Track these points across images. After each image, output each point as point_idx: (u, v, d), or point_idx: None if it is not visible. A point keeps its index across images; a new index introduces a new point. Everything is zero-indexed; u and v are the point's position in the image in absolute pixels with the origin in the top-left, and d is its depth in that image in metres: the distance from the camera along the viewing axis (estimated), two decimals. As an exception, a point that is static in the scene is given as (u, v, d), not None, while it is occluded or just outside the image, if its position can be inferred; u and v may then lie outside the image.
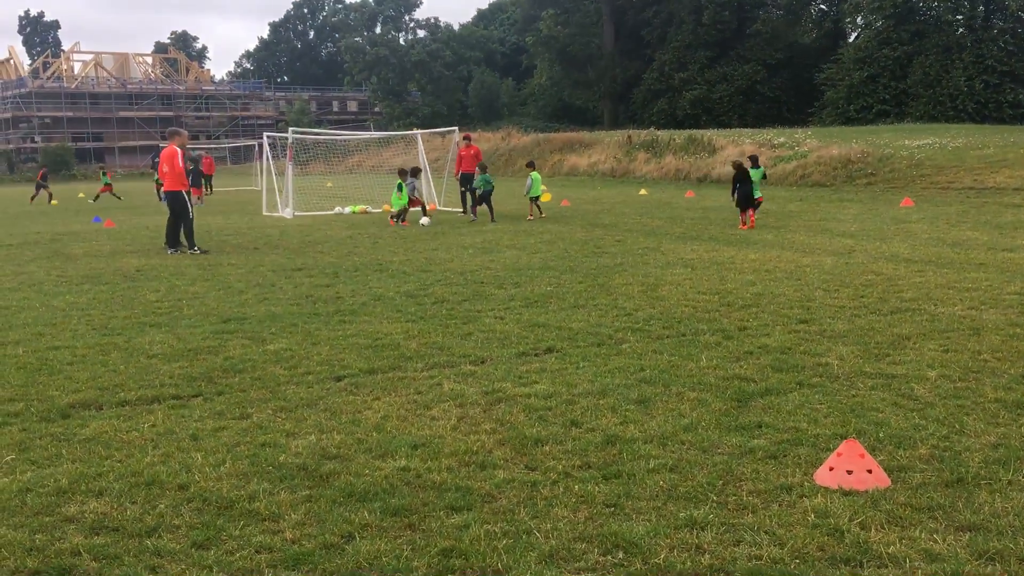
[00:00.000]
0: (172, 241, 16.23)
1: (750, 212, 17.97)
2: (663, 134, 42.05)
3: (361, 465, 4.98)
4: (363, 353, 7.69)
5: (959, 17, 54.56)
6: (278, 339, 8.32)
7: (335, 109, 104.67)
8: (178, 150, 16.03)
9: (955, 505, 4.26)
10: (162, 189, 16.11)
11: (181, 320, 9.39)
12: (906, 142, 31.03)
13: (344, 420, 5.83)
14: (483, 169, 21.23)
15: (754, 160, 19.61)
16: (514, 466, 4.94)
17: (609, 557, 3.84)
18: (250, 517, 4.32)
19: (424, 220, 18.92)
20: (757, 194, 18.69)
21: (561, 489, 4.58)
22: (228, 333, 8.66)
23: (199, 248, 15.91)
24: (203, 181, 34.21)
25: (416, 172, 21.21)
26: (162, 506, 4.48)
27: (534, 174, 22.10)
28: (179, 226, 16.15)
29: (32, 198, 35.61)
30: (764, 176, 19.72)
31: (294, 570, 3.78)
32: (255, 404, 6.23)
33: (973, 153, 27.59)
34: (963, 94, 50.18)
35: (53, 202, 35.47)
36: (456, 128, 28.58)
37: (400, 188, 20.77)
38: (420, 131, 32.32)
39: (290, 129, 27.03)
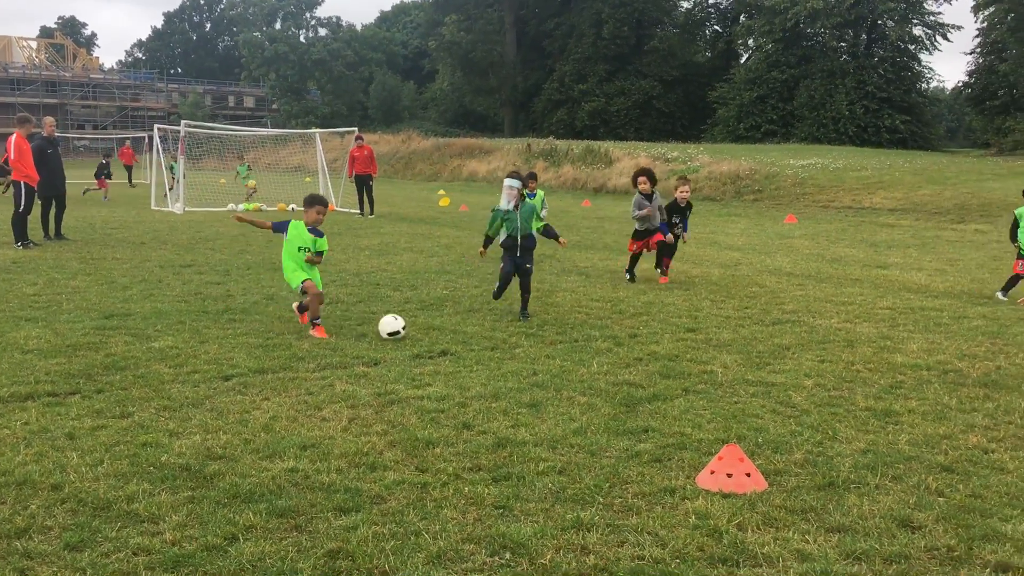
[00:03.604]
0: (45, 231, 16.14)
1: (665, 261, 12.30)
2: (562, 144, 42.64)
3: (247, 466, 4.88)
4: (253, 352, 7.54)
5: (843, 44, 57.17)
6: (164, 337, 8.07)
7: (231, 104, 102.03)
8: (13, 139, 15.17)
9: (826, 507, 4.46)
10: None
11: (60, 315, 9.01)
12: (791, 161, 32.29)
13: (231, 420, 5.70)
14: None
15: None
16: (405, 468, 4.93)
17: (496, 558, 3.87)
18: (128, 518, 4.19)
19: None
20: None
21: (451, 491, 4.59)
22: (110, 329, 8.35)
23: (22, 243, 14.95)
24: (107, 174, 31.94)
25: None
26: (33, 506, 4.29)
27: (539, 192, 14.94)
28: (42, 215, 15.91)
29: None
30: None
31: (173, 572, 3.68)
32: (137, 403, 6.03)
33: (852, 174, 28.94)
34: (845, 118, 52.58)
35: None
36: (356, 128, 28.30)
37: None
38: (319, 130, 31.89)
39: (182, 122, 26.27)
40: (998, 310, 10.25)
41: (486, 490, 4.61)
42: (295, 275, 8.60)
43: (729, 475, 4.70)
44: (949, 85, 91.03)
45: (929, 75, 60.57)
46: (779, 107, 56.17)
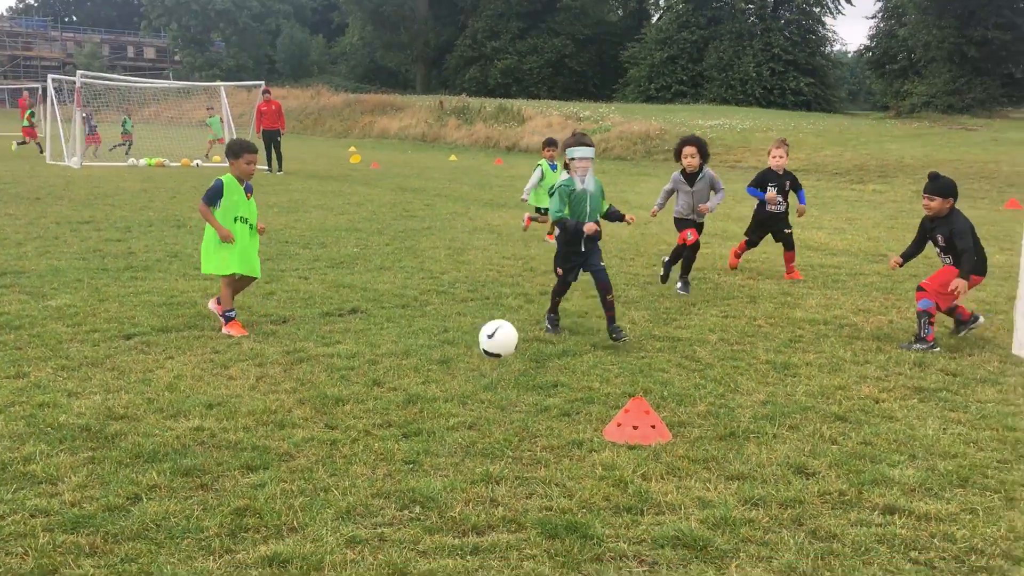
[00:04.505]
0: None
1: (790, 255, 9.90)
2: (474, 101, 42.38)
3: (151, 425, 4.78)
4: (156, 311, 7.34)
5: (751, 6, 58.02)
6: (61, 295, 7.79)
7: (130, 55, 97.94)
8: None
9: (727, 456, 4.61)
10: None
11: (-53, 273, 8.59)
12: (700, 122, 32.82)
13: (133, 379, 5.56)
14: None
15: None
16: (314, 425, 4.90)
17: (406, 512, 3.90)
18: (25, 480, 4.06)
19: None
20: None
21: (361, 447, 4.59)
22: (3, 288, 8.01)
23: None
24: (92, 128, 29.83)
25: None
26: (-78, 471, 4.12)
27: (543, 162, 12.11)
28: None
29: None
30: None
31: (73, 533, 3.59)
32: (33, 363, 5.82)
33: (759, 135, 29.58)
34: (752, 79, 53.54)
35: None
36: (263, 82, 27.54)
37: None
38: (223, 83, 30.96)
39: (78, 73, 25.12)
40: (892, 267, 10.67)
41: (396, 446, 4.62)
42: (221, 258, 6.79)
43: (635, 427, 4.81)
44: (852, 48, 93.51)
45: (833, 38, 62.25)
46: (689, 68, 56.85)
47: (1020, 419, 5.28)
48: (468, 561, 3.48)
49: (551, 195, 7.03)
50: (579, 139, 7.01)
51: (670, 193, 9.10)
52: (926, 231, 7.28)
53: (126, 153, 28.22)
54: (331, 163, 27.19)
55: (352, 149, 33.56)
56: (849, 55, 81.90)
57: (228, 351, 6.26)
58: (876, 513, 3.97)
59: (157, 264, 9.44)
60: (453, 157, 31.51)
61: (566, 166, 7.04)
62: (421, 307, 7.89)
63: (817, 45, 57.81)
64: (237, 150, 6.89)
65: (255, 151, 7.03)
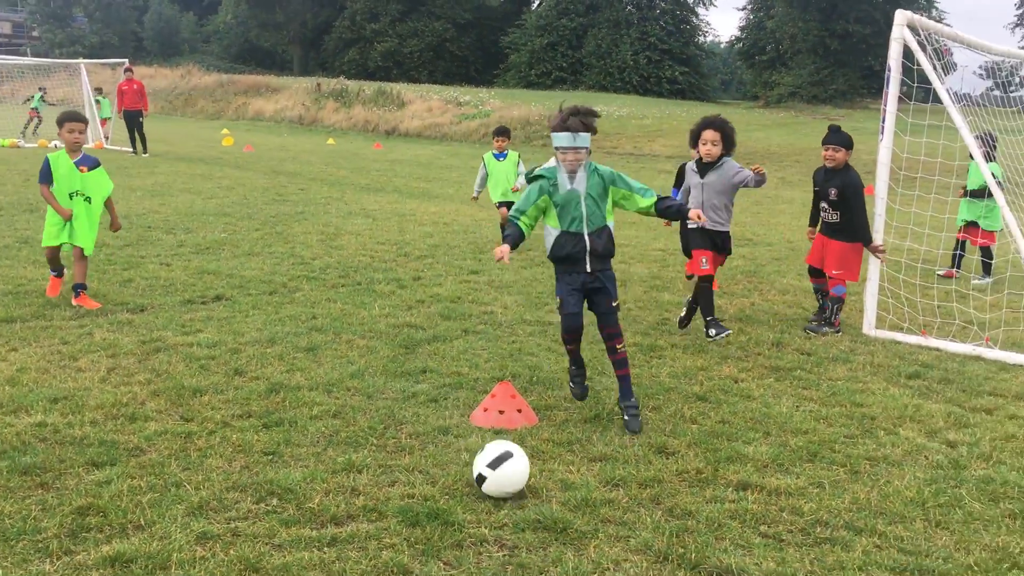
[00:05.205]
0: None
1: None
2: (353, 84, 41.68)
3: (-12, 422, 4.48)
4: (1, 300, 6.92)
5: (628, -5, 58.99)
6: None
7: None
8: None
9: (591, 439, 4.67)
10: None
11: None
12: (579, 108, 33.18)
13: (-30, 374, 5.21)
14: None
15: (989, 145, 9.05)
16: (168, 417, 4.70)
17: (262, 504, 3.78)
18: None
19: None
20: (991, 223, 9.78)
21: (217, 439, 4.43)
22: None
23: None
24: None
25: None
26: None
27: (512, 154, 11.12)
28: None
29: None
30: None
31: None
32: None
33: (634, 123, 30.19)
34: (629, 67, 54.50)
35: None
36: (126, 61, 26.32)
37: None
38: (84, 61, 29.46)
39: (-80, 45, 23.40)
40: (756, 251, 11.05)
41: (255, 437, 4.48)
42: (50, 233, 6.94)
43: (501, 412, 4.82)
44: (724, 39, 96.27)
45: (706, 29, 63.85)
46: (568, 55, 57.39)
47: (867, 395, 5.54)
48: (325, 553, 3.40)
49: (528, 181, 5.06)
50: (564, 121, 4.82)
51: (686, 194, 7.01)
52: (818, 185, 7.30)
53: (34, 132, 26.47)
54: (201, 145, 26.26)
55: (224, 131, 32.49)
56: (722, 46, 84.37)
57: (78, 342, 5.95)
58: (730, 489, 4.09)
59: (5, 251, 8.90)
60: (331, 141, 30.92)
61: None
62: (290, 294, 7.70)
63: (691, 35, 59.25)
64: (61, 120, 7.07)
65: (80, 120, 7.13)
